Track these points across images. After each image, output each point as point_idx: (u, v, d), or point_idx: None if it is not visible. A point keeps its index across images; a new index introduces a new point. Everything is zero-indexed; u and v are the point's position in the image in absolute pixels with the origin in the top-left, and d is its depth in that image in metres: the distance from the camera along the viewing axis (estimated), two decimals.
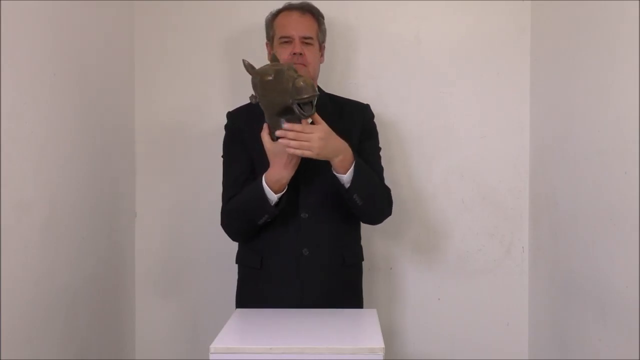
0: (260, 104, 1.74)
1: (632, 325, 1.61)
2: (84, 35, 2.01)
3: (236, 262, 2.04)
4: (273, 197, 1.79)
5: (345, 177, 1.78)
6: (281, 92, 1.65)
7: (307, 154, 1.70)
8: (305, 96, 1.61)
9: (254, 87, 1.75)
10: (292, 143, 1.68)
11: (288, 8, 2.00)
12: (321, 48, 2.03)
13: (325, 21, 2.04)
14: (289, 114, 1.68)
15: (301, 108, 1.63)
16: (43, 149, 1.75)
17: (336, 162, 1.76)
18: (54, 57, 1.81)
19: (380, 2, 2.38)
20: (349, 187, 1.79)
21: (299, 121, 1.69)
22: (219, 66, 2.41)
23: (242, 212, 1.87)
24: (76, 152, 1.95)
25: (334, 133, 1.74)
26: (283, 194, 1.81)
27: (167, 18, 2.40)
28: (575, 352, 1.98)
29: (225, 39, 2.40)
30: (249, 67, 1.77)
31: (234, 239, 1.98)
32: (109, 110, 2.21)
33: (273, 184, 1.78)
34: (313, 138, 1.68)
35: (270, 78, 1.67)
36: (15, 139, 1.61)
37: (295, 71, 1.69)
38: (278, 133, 1.69)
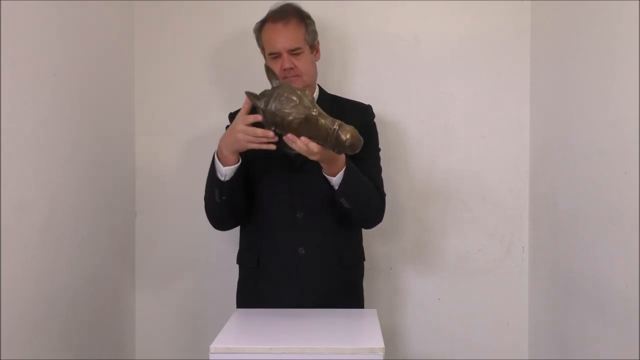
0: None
1: (632, 325, 1.61)
2: (84, 35, 2.01)
3: (237, 263, 2.05)
4: (221, 169, 1.78)
5: (334, 180, 1.78)
6: (314, 137, 1.62)
7: (303, 154, 1.69)
8: (356, 152, 1.61)
9: (272, 124, 1.65)
10: (298, 144, 1.65)
11: (272, 18, 1.93)
12: (314, 47, 1.99)
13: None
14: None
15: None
16: (43, 149, 1.76)
17: (325, 166, 1.77)
18: (54, 57, 1.82)
19: (379, 2, 2.38)
20: (337, 190, 1.79)
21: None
22: (219, 66, 2.41)
23: (206, 190, 1.87)
24: (76, 152, 1.95)
25: None
26: (236, 169, 1.78)
27: (167, 18, 2.40)
28: (575, 352, 1.98)
29: (226, 39, 2.40)
30: (255, 100, 1.68)
31: (213, 225, 1.95)
32: (109, 110, 2.21)
33: (219, 150, 1.78)
34: (313, 150, 1.66)
35: (297, 123, 1.60)
36: (15, 139, 1.61)
37: (323, 113, 1.63)
38: (289, 136, 1.63)
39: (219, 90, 2.40)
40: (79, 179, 1.97)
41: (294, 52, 1.90)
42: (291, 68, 1.90)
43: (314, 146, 1.63)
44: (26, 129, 1.67)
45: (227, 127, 2.01)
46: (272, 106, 1.63)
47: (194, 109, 2.41)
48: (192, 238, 2.41)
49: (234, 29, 2.39)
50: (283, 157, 1.80)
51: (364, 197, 1.85)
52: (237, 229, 2.06)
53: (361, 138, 1.61)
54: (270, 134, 1.66)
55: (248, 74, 2.27)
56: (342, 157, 1.77)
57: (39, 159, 1.74)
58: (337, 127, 1.59)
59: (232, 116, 2.04)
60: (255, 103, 1.68)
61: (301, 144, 1.63)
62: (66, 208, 1.88)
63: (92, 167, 2.07)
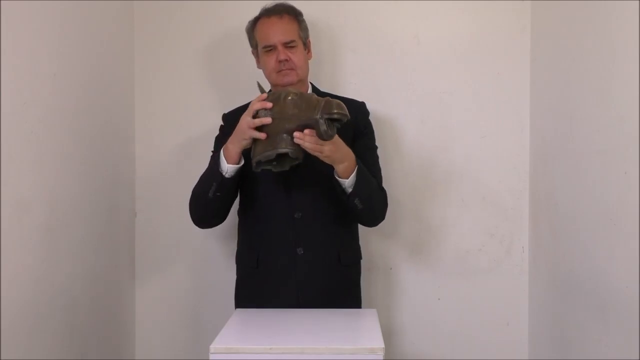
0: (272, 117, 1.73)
1: (632, 325, 1.61)
2: (84, 36, 2.01)
3: (236, 262, 2.05)
4: (224, 166, 1.80)
5: (347, 182, 1.79)
6: (304, 111, 1.67)
7: (318, 154, 1.71)
8: (340, 111, 1.63)
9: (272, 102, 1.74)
10: (307, 145, 1.68)
11: (265, 14, 1.97)
12: (306, 44, 2.01)
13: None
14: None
15: (327, 126, 1.65)
16: (43, 148, 1.75)
17: (340, 168, 1.77)
18: (54, 57, 1.81)
19: (380, 2, 2.37)
20: (350, 192, 1.80)
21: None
22: (219, 66, 2.41)
23: (200, 184, 1.89)
24: (76, 152, 1.95)
25: (341, 141, 1.75)
26: (238, 169, 1.81)
27: (167, 18, 2.40)
28: (575, 352, 1.98)
29: (226, 38, 2.40)
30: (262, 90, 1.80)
31: (195, 220, 1.95)
32: (109, 110, 2.21)
33: (225, 147, 1.81)
34: (325, 144, 1.69)
35: (295, 94, 1.70)
36: (15, 138, 1.61)
37: (315, 95, 1.72)
38: (297, 135, 1.68)
39: (219, 90, 2.40)
40: (78, 178, 1.96)
41: (288, 44, 1.93)
42: (286, 60, 1.91)
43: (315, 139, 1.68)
44: (26, 129, 1.67)
45: (221, 127, 2.03)
46: (276, 92, 1.77)
47: (194, 109, 2.41)
48: (191, 238, 2.41)
49: (234, 29, 2.38)
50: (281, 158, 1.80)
51: (373, 195, 1.87)
52: (237, 229, 2.07)
53: (347, 113, 1.66)
54: (268, 120, 1.70)
55: (248, 74, 2.27)
56: (353, 156, 1.78)
57: (39, 159, 1.74)
58: (327, 99, 1.68)
59: (225, 117, 2.05)
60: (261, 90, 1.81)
61: (309, 138, 1.66)
62: (66, 208, 1.88)
63: (92, 167, 2.06)
